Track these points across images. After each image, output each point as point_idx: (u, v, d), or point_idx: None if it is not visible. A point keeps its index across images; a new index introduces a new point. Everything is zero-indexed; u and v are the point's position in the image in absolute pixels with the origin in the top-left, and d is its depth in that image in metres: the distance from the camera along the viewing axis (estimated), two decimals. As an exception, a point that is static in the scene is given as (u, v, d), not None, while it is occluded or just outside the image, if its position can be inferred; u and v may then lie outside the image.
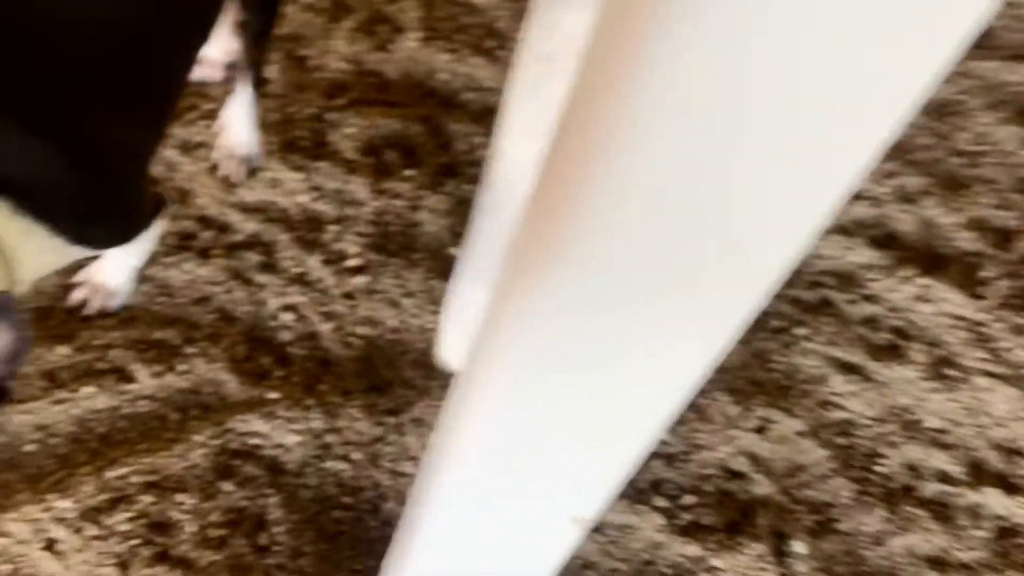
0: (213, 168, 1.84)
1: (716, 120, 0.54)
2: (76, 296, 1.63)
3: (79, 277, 1.63)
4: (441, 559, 1.13)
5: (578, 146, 0.63)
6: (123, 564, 1.41)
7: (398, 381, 1.70)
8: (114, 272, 1.61)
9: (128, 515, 1.45)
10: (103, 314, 1.63)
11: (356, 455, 1.59)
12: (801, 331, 1.89)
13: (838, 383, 1.84)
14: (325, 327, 1.71)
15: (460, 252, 1.81)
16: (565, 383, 0.77)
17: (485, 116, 2.05)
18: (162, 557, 1.43)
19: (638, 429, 0.83)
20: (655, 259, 0.65)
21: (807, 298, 1.95)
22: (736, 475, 1.69)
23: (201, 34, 1.26)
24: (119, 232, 1.33)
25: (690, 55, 0.51)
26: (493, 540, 1.05)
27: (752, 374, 1.81)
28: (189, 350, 1.62)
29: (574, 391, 0.78)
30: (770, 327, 1.89)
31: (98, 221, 1.22)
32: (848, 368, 1.87)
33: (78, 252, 1.22)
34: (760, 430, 1.75)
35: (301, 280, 1.75)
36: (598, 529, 1.58)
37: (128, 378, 1.58)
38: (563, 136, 0.68)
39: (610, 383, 0.77)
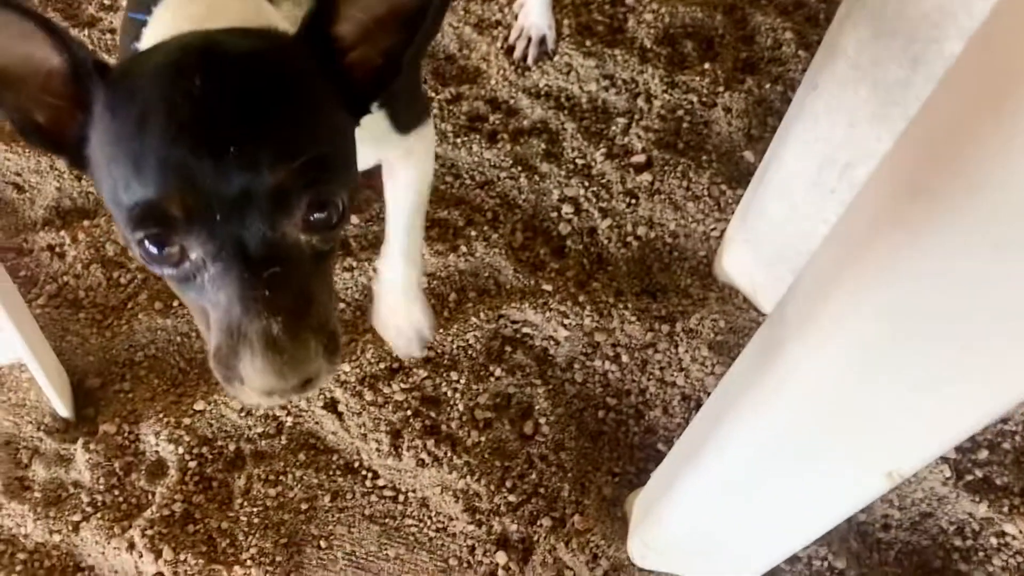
0: (507, 49, 1.80)
1: None
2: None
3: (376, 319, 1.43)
4: (725, 498, 1.07)
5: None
6: (395, 432, 1.46)
7: (673, 288, 1.63)
8: (397, 280, 1.35)
9: (404, 386, 1.49)
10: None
11: (625, 358, 1.54)
12: None
13: None
14: (603, 224, 1.66)
15: (756, 158, 1.68)
16: (922, 349, 0.67)
17: (795, 9, 1.88)
18: (431, 431, 1.46)
19: (990, 400, 0.72)
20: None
21: None
22: (1042, 436, 1.51)
23: None
24: (419, 109, 1.21)
25: None
26: (791, 488, 0.97)
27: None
28: (471, 232, 1.62)
29: (931, 357, 0.68)
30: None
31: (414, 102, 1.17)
32: None
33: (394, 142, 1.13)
34: (1077, 390, 1.54)
35: (584, 172, 1.70)
36: (876, 472, 1.46)
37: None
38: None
39: (975, 354, 0.66)
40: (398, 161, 1.23)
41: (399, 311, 1.38)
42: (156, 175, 0.69)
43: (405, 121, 1.14)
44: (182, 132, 0.69)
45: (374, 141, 1.08)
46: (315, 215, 0.74)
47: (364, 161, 1.09)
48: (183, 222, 0.70)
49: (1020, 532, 1.43)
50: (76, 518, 1.38)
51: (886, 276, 0.65)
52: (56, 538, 1.38)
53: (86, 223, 1.61)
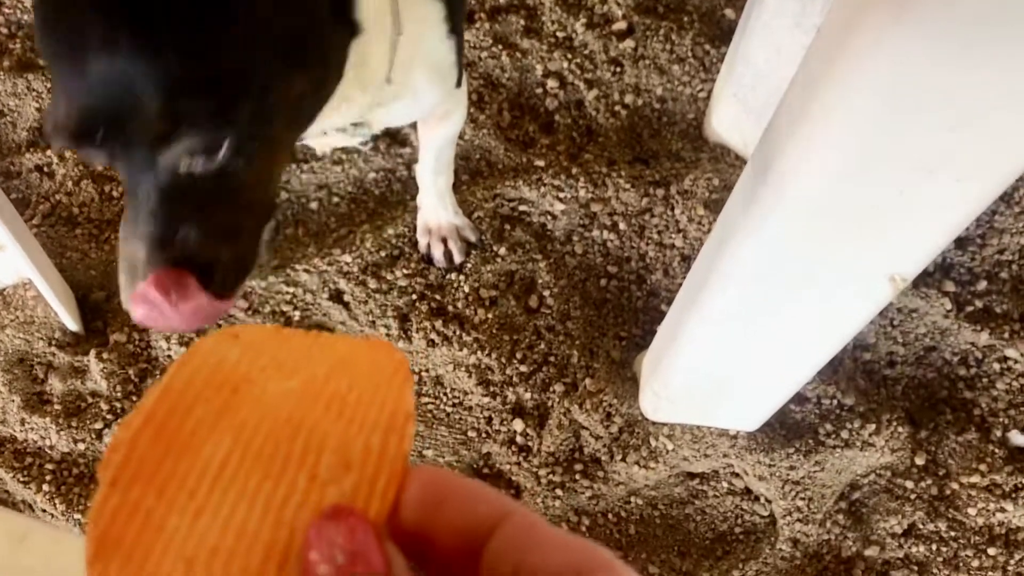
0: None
1: None
2: (436, 256, 1.49)
3: (420, 237, 1.50)
4: (730, 331, 1.09)
5: None
6: (403, 316, 1.47)
7: (665, 152, 1.63)
8: (439, 209, 1.45)
9: (407, 271, 1.50)
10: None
11: (622, 225, 1.55)
12: None
13: None
14: (590, 95, 1.65)
15: (737, 14, 1.67)
16: (914, 130, 0.67)
17: None
18: (438, 312, 1.48)
19: (980, 188, 0.73)
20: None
21: None
22: (1039, 263, 1.53)
23: None
24: (457, 74, 1.15)
25: None
26: (795, 310, 0.99)
27: (1066, 153, 1.60)
28: (457, 115, 1.61)
29: (923, 138, 0.68)
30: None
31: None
32: None
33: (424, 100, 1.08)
34: (1071, 215, 1.56)
35: (566, 45, 1.68)
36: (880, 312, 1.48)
37: (402, 142, 1.60)
38: None
39: (962, 136, 0.66)
40: (435, 119, 1.25)
41: (440, 220, 1.47)
42: (57, 89, 0.66)
43: (461, 76, 1.14)
44: (72, 39, 0.64)
45: (441, 94, 1.10)
46: (201, 158, 0.68)
47: (427, 107, 1.10)
48: (74, 139, 0.66)
49: (1022, 356, 1.46)
50: (98, 426, 1.41)
51: (874, 58, 0.65)
52: (81, 447, 1.40)
53: (71, 141, 1.60)
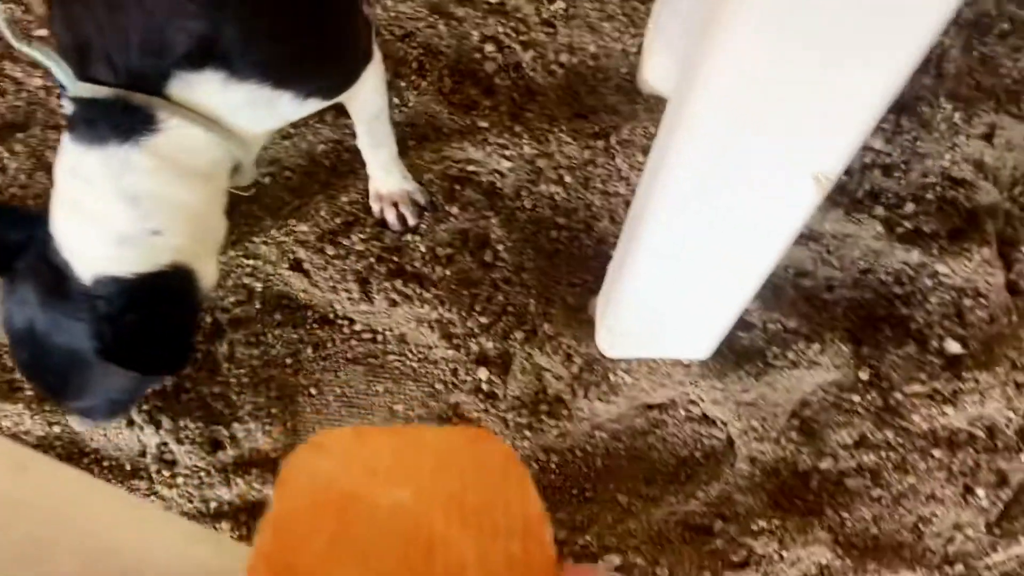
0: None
1: None
2: (390, 220, 1.54)
3: (373, 204, 1.55)
4: (673, 255, 1.15)
5: None
6: (363, 280, 1.52)
7: (602, 107, 1.69)
8: (386, 177, 1.51)
9: (363, 236, 1.54)
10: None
11: (568, 178, 1.61)
12: (1034, 32, 1.74)
13: (1076, 86, 1.70)
14: (527, 56, 1.71)
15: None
16: (821, 21, 0.74)
17: None
18: (397, 273, 1.53)
19: (882, 77, 0.80)
20: None
21: (1041, -3, 1.78)
22: (960, 183, 1.62)
23: None
24: (346, 73, 1.20)
25: None
26: (728, 217, 1.05)
27: (979, 80, 1.70)
28: (400, 84, 1.66)
29: (831, 27, 0.75)
30: (997, 30, 1.75)
31: (326, 66, 1.14)
32: (1088, 70, 1.72)
33: (310, 106, 1.12)
34: (987, 137, 1.65)
35: (499, 10, 1.74)
36: (814, 238, 1.57)
37: (347, 113, 1.64)
38: None
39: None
40: (349, 100, 1.30)
41: (390, 187, 1.52)
42: None
43: (339, 83, 1.18)
44: None
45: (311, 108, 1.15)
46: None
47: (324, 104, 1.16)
48: None
49: (951, 270, 1.55)
50: (72, 407, 1.43)
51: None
52: (56, 429, 1.43)
53: (20, 135, 1.61)
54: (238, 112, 1.03)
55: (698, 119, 0.91)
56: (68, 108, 1.02)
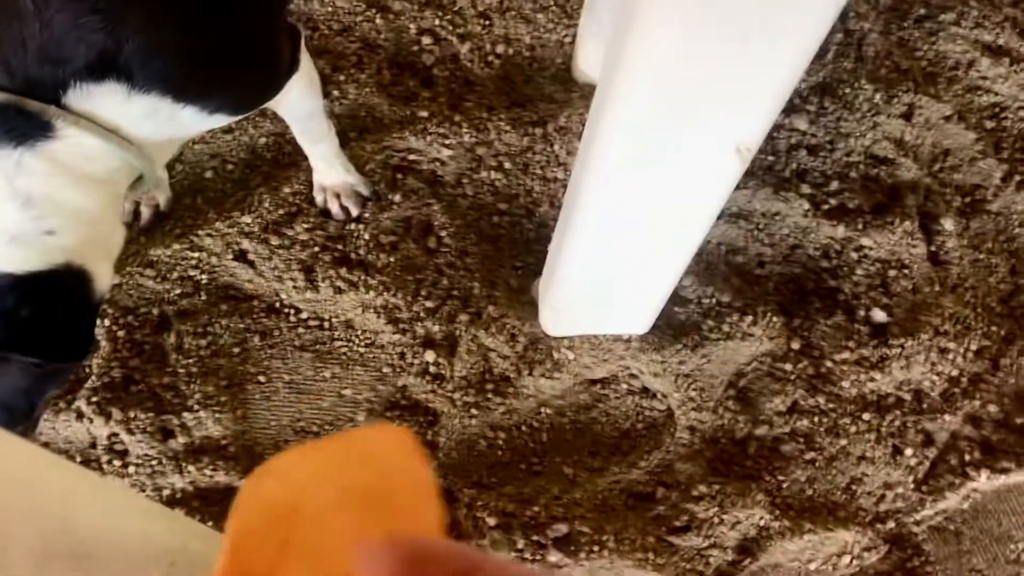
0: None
1: None
2: (334, 211, 1.58)
3: (316, 195, 1.58)
4: (606, 231, 1.20)
5: None
6: (308, 268, 1.54)
7: (539, 96, 1.73)
8: (328, 170, 1.54)
9: (307, 226, 1.57)
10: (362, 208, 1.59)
11: (508, 164, 1.66)
12: (947, 16, 1.82)
13: (986, 66, 1.79)
14: (464, 48, 1.75)
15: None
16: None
17: None
18: (342, 261, 1.56)
19: (788, 59, 0.86)
20: None
21: (953, -17, 1.87)
22: (882, 161, 1.70)
23: None
24: (257, 90, 1.20)
25: None
26: (656, 192, 1.10)
27: (897, 62, 1.78)
28: (339, 78, 1.69)
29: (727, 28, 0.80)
30: (914, 15, 1.83)
31: (233, 82, 1.13)
32: (998, 51, 1.81)
33: (216, 120, 1.12)
34: (906, 116, 1.73)
35: (435, 3, 1.78)
36: (744, 216, 1.63)
37: (288, 106, 1.67)
38: None
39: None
40: (275, 105, 1.30)
41: (332, 180, 1.55)
42: None
43: (251, 98, 1.18)
44: None
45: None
46: None
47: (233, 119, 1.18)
48: None
49: (875, 243, 1.62)
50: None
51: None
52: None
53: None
54: (139, 123, 1.04)
55: (623, 97, 0.96)
56: None
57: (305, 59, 1.27)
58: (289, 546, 0.40)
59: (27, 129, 0.98)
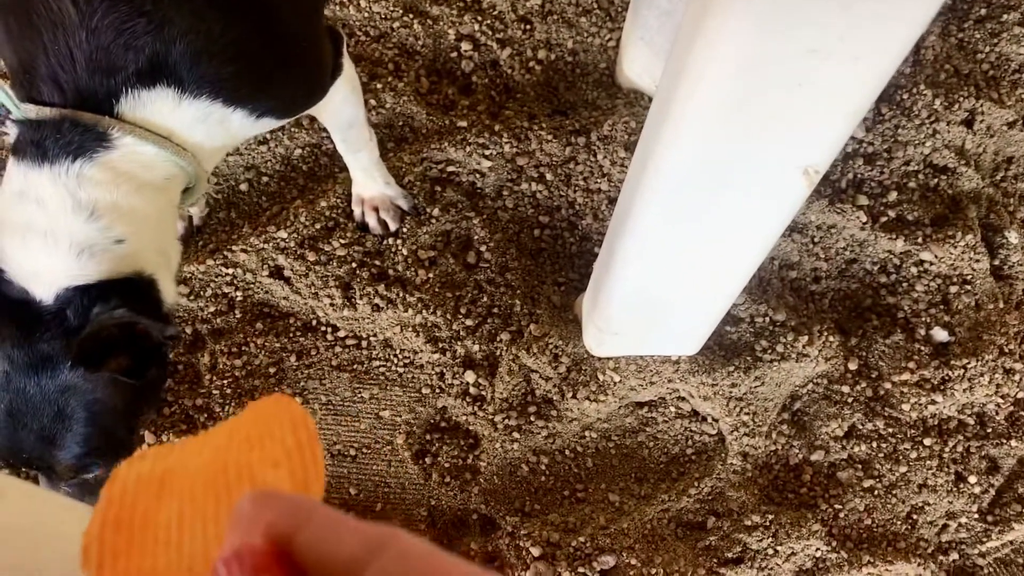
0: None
1: None
2: (372, 225, 1.53)
3: (354, 207, 1.54)
4: (661, 251, 1.14)
5: None
6: (345, 285, 1.49)
7: (581, 102, 1.67)
8: (367, 181, 1.50)
9: (344, 241, 1.52)
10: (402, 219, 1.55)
11: (549, 176, 1.60)
12: (1010, 16, 1.74)
13: (1053, 69, 1.70)
14: (504, 54, 1.69)
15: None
16: (793, 40, 0.73)
17: None
18: (380, 277, 1.51)
19: (870, 69, 0.79)
20: None
21: (1017, -19, 1.78)
22: (942, 170, 1.62)
23: None
24: (304, 92, 1.18)
25: None
26: (717, 213, 1.04)
27: (957, 65, 1.69)
28: (376, 86, 1.64)
29: (802, 50, 0.73)
30: (975, 16, 1.75)
31: (280, 84, 1.10)
32: (1065, 53, 1.72)
33: (263, 125, 1.10)
34: (967, 123, 1.65)
35: (474, 8, 1.72)
36: (799, 230, 1.56)
37: (323, 116, 1.62)
38: None
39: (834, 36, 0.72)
40: (318, 112, 1.28)
41: (371, 192, 1.51)
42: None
43: (297, 101, 1.16)
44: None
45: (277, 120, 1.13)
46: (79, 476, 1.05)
47: (279, 123, 1.15)
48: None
49: (936, 257, 1.55)
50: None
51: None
52: (36, 447, 1.40)
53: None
54: (191, 129, 1.02)
55: (686, 117, 0.90)
56: (13, 133, 0.99)
57: (347, 63, 1.24)
58: (164, 493, 0.43)
59: (84, 141, 0.95)
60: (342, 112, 1.31)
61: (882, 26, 0.73)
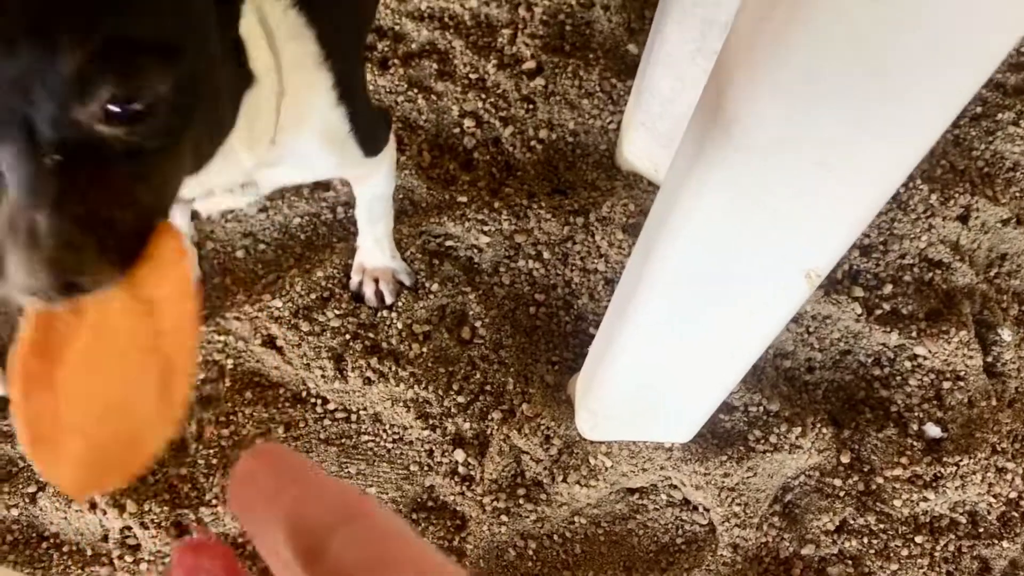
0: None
1: None
2: (367, 295, 1.53)
3: (353, 275, 1.54)
4: (659, 339, 1.14)
5: None
6: (338, 357, 1.48)
7: (581, 183, 1.68)
8: (375, 251, 1.49)
9: (338, 312, 1.51)
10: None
11: (546, 254, 1.60)
12: (1005, 116, 1.77)
13: (1046, 169, 1.73)
14: (506, 132, 1.70)
15: (640, 49, 1.75)
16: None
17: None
18: (372, 350, 1.50)
19: (876, 183, 0.80)
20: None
21: (1011, 81, 1.82)
22: (937, 264, 1.63)
23: None
24: (371, 144, 1.17)
25: None
26: (717, 315, 1.04)
27: (953, 162, 1.72)
28: (377, 158, 1.64)
29: (809, 162, 0.74)
30: (971, 113, 1.78)
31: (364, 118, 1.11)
32: (1057, 153, 1.75)
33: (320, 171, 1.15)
34: (962, 219, 1.67)
35: (479, 86, 1.74)
36: (795, 319, 1.56)
37: (325, 186, 1.62)
38: None
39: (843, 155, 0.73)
40: (360, 179, 1.31)
41: (376, 263, 1.50)
42: None
43: (371, 145, 1.18)
44: None
45: (338, 163, 1.14)
46: (120, 106, 0.62)
47: (323, 173, 1.17)
48: None
49: (930, 352, 1.55)
50: (31, 489, 1.38)
51: (779, 54, 0.70)
52: (15, 512, 1.37)
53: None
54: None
55: (690, 217, 0.90)
56: None
57: (392, 138, 1.27)
58: (82, 316, 0.55)
59: None
60: (380, 183, 1.33)
61: (891, 140, 0.74)
